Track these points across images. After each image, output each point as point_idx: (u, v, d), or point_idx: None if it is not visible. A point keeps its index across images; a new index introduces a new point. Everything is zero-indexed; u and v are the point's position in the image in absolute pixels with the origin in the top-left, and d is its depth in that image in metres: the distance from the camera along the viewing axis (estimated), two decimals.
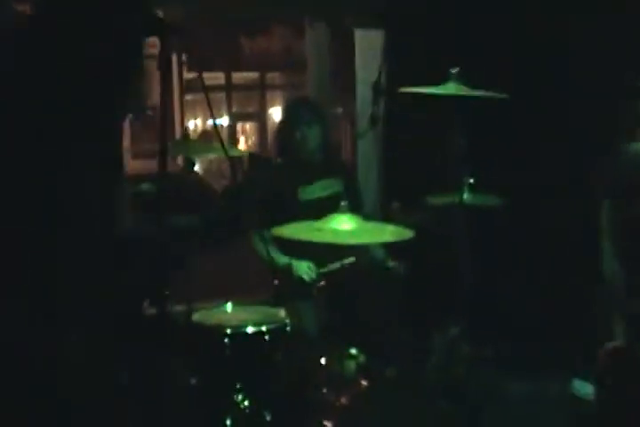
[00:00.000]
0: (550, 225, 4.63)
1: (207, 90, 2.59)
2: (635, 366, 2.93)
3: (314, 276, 3.99)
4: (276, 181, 4.29)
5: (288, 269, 4.07)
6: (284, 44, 12.96)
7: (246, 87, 13.75)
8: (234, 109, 14.04)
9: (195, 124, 15.13)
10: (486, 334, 3.98)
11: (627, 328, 2.95)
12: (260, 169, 4.08)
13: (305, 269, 4.03)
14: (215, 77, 12.79)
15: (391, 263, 3.88)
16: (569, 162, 4.64)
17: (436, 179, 4.04)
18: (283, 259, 4.13)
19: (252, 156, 4.06)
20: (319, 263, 4.04)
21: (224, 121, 14.10)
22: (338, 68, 5.46)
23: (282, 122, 4.49)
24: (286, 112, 4.54)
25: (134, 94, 2.32)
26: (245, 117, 15.20)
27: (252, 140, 15.48)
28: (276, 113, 14.22)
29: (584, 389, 4.23)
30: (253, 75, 13.95)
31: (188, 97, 14.21)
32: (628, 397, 2.96)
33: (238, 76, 13.17)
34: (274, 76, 13.99)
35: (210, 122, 15.91)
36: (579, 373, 4.37)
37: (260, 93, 14.23)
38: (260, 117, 14.91)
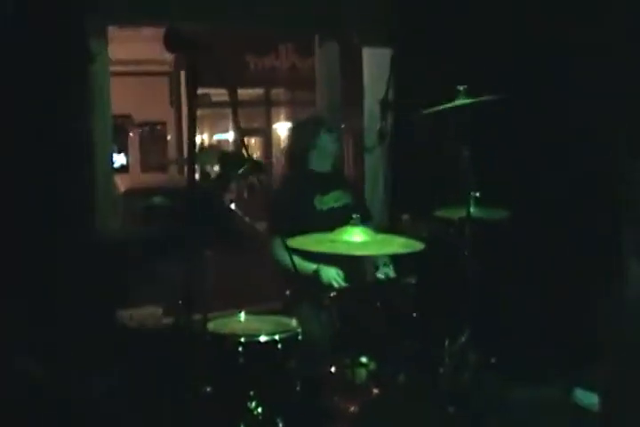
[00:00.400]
0: (556, 238, 4.62)
1: (214, 106, 2.54)
2: None
3: (341, 282, 3.92)
4: (292, 193, 4.26)
5: (314, 276, 3.98)
6: (289, 62, 13.01)
7: (251, 103, 13.79)
8: (240, 125, 14.06)
9: (201, 138, 15.19)
10: (491, 342, 3.95)
11: None
12: (232, 167, 4.01)
13: (333, 275, 3.96)
14: (222, 93, 12.83)
15: (408, 278, 3.85)
16: (574, 176, 4.65)
17: (443, 192, 4.02)
18: (310, 265, 4.03)
19: (224, 154, 3.98)
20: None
21: (230, 136, 14.15)
22: (347, 84, 5.45)
23: (296, 136, 4.46)
24: (301, 126, 4.50)
25: None
26: (251, 133, 15.24)
27: (257, 154, 15.52)
28: (280, 128, 14.25)
29: (588, 399, 4.21)
30: (259, 91, 13.98)
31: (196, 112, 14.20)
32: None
33: (244, 93, 13.20)
34: (278, 93, 14.02)
35: (216, 136, 15.98)
36: (582, 382, 4.36)
37: (265, 109, 14.27)
38: (266, 133, 14.95)
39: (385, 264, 4.10)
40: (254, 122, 14.75)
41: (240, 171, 3.70)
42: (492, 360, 4.01)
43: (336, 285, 3.89)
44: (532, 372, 4.40)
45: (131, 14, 4.35)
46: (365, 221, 3.93)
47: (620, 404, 2.99)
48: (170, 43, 1.98)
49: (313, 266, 4.01)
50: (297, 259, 3.96)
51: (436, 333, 3.88)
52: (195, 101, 2.04)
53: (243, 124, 14.18)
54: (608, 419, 3.06)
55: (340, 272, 3.97)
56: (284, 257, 3.95)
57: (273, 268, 4.24)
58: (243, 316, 3.63)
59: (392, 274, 4.04)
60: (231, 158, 3.87)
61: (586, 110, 4.60)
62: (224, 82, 2.06)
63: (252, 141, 15.82)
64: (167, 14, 4.18)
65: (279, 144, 14.07)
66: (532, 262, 4.61)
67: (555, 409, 4.32)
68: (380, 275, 4.07)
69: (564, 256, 4.61)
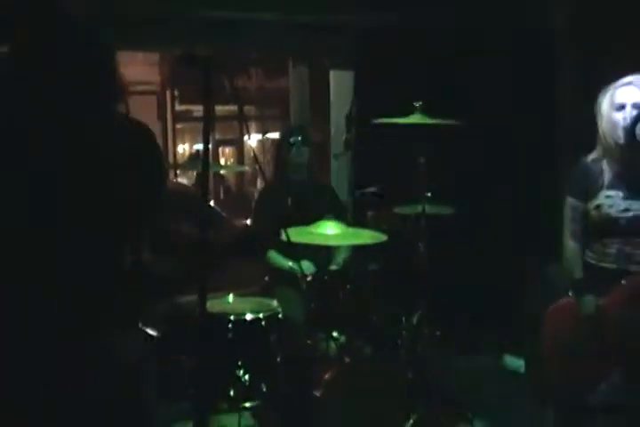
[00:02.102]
0: (494, 229, 4.65)
1: (195, 120, 2.44)
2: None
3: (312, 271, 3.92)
4: (275, 196, 4.19)
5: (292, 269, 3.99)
6: (259, 83, 12.99)
7: (226, 118, 13.67)
8: (217, 136, 13.98)
9: (183, 148, 15.07)
10: (439, 318, 3.95)
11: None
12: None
13: (306, 266, 3.95)
14: (200, 110, 12.70)
15: (370, 266, 3.84)
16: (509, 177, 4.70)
17: (401, 192, 4.00)
18: (287, 262, 4.06)
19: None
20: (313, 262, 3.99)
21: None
22: (316, 101, 5.44)
23: (278, 145, 4.41)
24: (281, 137, 4.44)
25: None
26: (225, 143, 15.17)
27: (231, 161, 15.46)
28: (251, 139, 14.17)
29: (515, 363, 4.26)
30: (232, 108, 13.89)
31: (178, 125, 14.10)
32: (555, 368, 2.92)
33: (220, 109, 13.10)
34: (249, 109, 13.93)
35: (195, 146, 15.83)
36: (510, 350, 4.41)
37: (237, 123, 14.18)
38: (238, 143, 14.89)
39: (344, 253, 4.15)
40: (229, 134, 14.65)
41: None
42: (438, 333, 4.01)
43: (308, 273, 3.88)
44: (471, 343, 4.45)
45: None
46: (340, 217, 3.91)
47: (541, 366, 3.02)
48: (187, 62, 1.91)
49: (289, 263, 4.03)
50: (278, 256, 4.08)
51: (394, 311, 3.89)
52: (209, 112, 1.96)
53: (219, 136, 14.11)
54: (531, 379, 3.09)
55: (311, 265, 3.97)
56: (276, 259, 4.07)
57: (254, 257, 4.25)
58: (231, 298, 3.60)
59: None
60: None
61: (521, 119, 4.66)
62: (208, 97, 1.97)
63: (227, 151, 15.74)
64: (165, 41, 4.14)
65: (250, 153, 13.99)
66: (473, 250, 4.64)
67: (489, 374, 4.38)
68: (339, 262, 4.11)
69: (500, 245, 4.65)
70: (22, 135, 1.82)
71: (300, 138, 4.15)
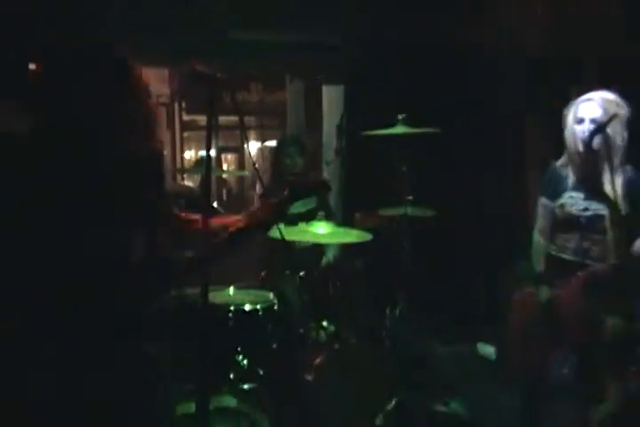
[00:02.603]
0: (469, 231, 4.68)
1: (200, 129, 2.47)
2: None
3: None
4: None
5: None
6: (258, 97, 13.04)
7: (229, 127, 13.67)
8: (219, 144, 13.95)
9: (190, 154, 15.05)
10: (420, 310, 3.98)
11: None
12: None
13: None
14: (205, 120, 12.68)
15: (358, 262, 3.86)
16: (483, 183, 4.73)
17: (386, 196, 4.03)
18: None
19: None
20: (301, 262, 3.97)
21: (212, 152, 14.01)
22: (310, 113, 5.46)
23: (275, 152, 4.43)
24: (279, 145, 4.46)
25: None
26: (227, 150, 15.15)
27: (232, 167, 15.44)
28: (251, 147, 14.17)
29: (487, 350, 4.28)
30: (234, 118, 13.87)
31: (185, 134, 14.11)
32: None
33: (223, 119, 13.11)
34: (250, 120, 13.95)
35: (200, 153, 15.83)
36: (483, 339, 4.42)
37: (241, 132, 14.16)
38: (239, 150, 14.89)
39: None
40: (231, 142, 14.64)
41: None
42: (418, 323, 4.03)
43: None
44: (448, 332, 4.46)
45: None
46: (329, 217, 3.92)
47: (509, 352, 3.06)
48: (193, 79, 1.95)
49: None
50: None
51: (379, 303, 3.90)
52: (212, 122, 1.99)
53: (221, 144, 14.09)
54: (502, 364, 3.13)
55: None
56: None
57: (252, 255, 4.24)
58: (232, 290, 3.59)
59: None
60: None
61: (494, 129, 4.69)
62: (212, 109, 2.01)
63: (229, 157, 15.73)
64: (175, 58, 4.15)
65: (250, 159, 14.00)
66: (451, 249, 4.66)
67: (464, 359, 4.40)
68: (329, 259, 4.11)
69: (474, 244, 4.68)
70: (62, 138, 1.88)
71: (295, 148, 4.19)
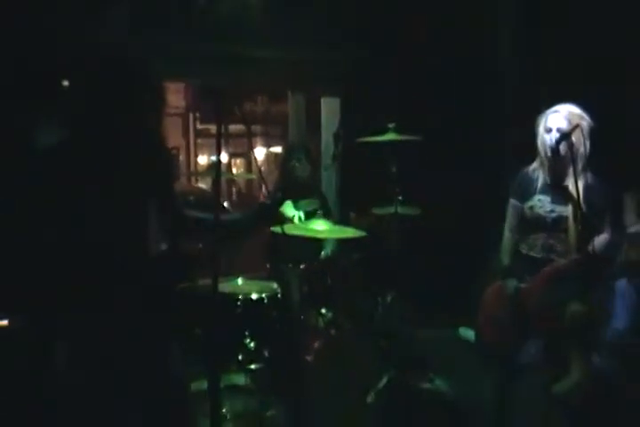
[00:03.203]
0: (453, 227, 4.69)
1: (212, 137, 2.49)
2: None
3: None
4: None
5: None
6: (264, 107, 13.07)
7: (238, 135, 13.70)
8: (230, 150, 14.00)
9: (203, 159, 15.09)
10: (408, 299, 4.00)
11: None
12: None
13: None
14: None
15: (353, 256, 3.88)
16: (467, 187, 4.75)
17: (377, 196, 4.04)
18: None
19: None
20: (302, 255, 3.97)
21: (223, 157, 14.01)
22: (310, 122, 5.48)
23: (284, 157, 4.44)
24: (287, 151, 4.47)
25: None
26: (236, 155, 15.17)
27: (241, 170, 15.47)
28: (257, 152, 14.20)
29: (467, 334, 4.28)
30: (243, 127, 13.88)
31: (199, 141, 14.14)
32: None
33: (233, 128, 13.14)
34: (256, 128, 13.98)
35: (213, 158, 15.83)
36: (464, 323, 4.43)
37: (248, 139, 14.20)
38: (247, 156, 14.92)
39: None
40: (239, 148, 14.68)
41: None
42: (407, 310, 4.04)
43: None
44: (433, 318, 4.47)
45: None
46: (328, 216, 3.95)
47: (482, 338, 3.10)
48: (205, 93, 1.99)
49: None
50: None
51: (372, 292, 3.92)
52: (221, 131, 2.03)
53: (231, 150, 14.11)
54: (480, 346, 3.16)
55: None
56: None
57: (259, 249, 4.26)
58: (240, 281, 3.60)
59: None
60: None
61: (473, 136, 4.71)
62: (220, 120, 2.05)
63: (238, 162, 15.75)
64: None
65: (257, 164, 14.05)
66: (436, 243, 4.66)
67: (447, 342, 4.41)
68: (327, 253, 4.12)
69: (458, 240, 4.69)
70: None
71: (303, 154, 4.21)
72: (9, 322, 2.08)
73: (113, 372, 1.96)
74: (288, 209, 4.07)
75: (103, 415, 1.95)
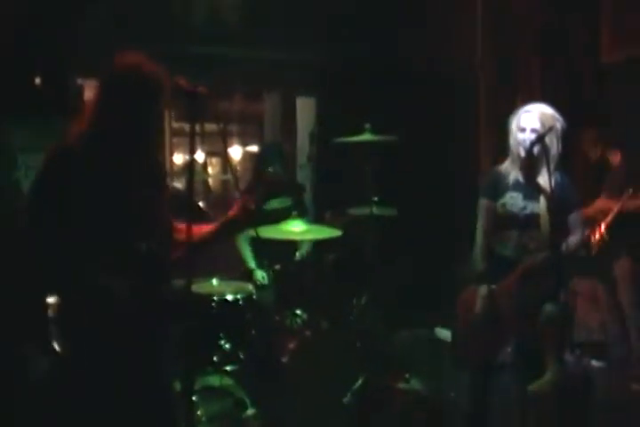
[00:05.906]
0: (427, 228, 4.71)
1: (187, 136, 2.49)
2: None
3: (265, 282, 3.93)
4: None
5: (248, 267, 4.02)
6: (239, 107, 13.02)
7: (214, 134, 13.61)
8: (206, 148, 13.87)
9: (179, 158, 14.95)
10: (383, 299, 4.00)
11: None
12: None
13: (260, 276, 3.98)
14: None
15: (328, 257, 3.87)
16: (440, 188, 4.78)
17: (353, 197, 4.03)
18: (251, 264, 4.07)
19: None
20: (277, 256, 3.96)
21: (200, 156, 13.92)
22: (285, 122, 5.47)
23: (259, 156, 4.41)
24: (262, 150, 4.45)
25: None
26: (213, 154, 15.07)
27: (217, 169, 15.37)
28: (232, 151, 14.14)
29: (443, 334, 4.30)
30: (219, 126, 13.78)
31: (174, 140, 13.98)
32: None
33: (209, 126, 13.05)
34: (232, 127, 13.91)
35: (186, 157, 15.70)
36: (440, 324, 4.44)
37: (222, 138, 14.08)
38: (222, 154, 14.83)
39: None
40: (216, 147, 14.58)
41: None
42: (382, 311, 4.05)
43: (259, 284, 3.90)
44: (409, 318, 4.48)
45: None
46: (304, 216, 3.92)
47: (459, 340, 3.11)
48: (178, 93, 1.97)
49: (253, 265, 4.04)
50: (248, 256, 4.04)
51: (347, 293, 3.92)
52: (194, 131, 2.03)
53: (206, 149, 13.98)
54: (455, 345, 3.17)
55: (265, 275, 3.96)
56: (244, 251, 4.03)
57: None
58: (215, 281, 3.58)
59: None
60: None
61: (447, 137, 4.73)
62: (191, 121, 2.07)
63: (213, 160, 15.65)
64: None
65: (233, 162, 13.96)
66: (411, 244, 4.67)
67: (423, 342, 4.40)
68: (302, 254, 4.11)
69: (432, 240, 4.71)
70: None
71: (277, 161, 4.15)
72: None
73: (108, 372, 1.96)
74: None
75: (97, 415, 1.97)
